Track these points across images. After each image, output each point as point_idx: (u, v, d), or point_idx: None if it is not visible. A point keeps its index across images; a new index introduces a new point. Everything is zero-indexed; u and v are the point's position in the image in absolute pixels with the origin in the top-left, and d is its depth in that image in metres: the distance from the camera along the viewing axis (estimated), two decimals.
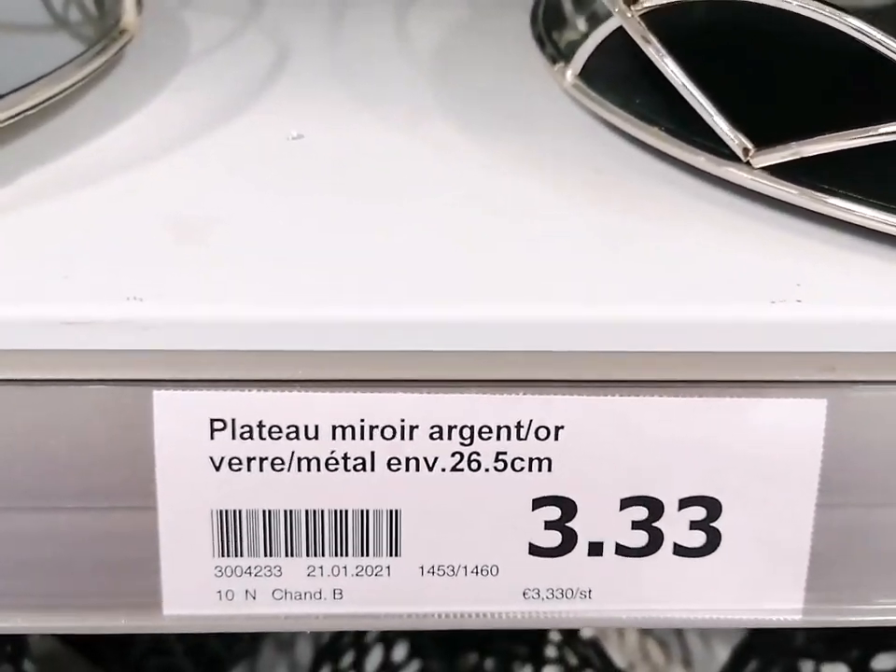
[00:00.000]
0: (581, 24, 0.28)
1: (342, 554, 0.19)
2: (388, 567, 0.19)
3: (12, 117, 0.23)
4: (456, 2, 0.37)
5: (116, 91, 0.27)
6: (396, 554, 0.19)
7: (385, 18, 0.35)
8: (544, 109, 0.27)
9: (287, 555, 0.19)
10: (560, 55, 0.27)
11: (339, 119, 0.26)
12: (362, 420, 0.17)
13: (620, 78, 0.26)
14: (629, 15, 0.23)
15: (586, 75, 0.26)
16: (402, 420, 0.17)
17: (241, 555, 0.19)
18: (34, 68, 0.24)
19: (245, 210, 0.22)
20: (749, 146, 0.21)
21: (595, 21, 0.25)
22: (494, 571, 0.19)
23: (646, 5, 0.23)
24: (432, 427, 0.17)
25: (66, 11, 0.29)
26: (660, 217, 0.22)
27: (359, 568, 0.19)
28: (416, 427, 0.17)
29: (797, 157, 0.21)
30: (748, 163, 0.21)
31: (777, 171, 0.21)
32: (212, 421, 0.17)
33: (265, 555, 0.19)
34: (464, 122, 0.26)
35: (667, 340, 0.18)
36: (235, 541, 0.18)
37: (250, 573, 0.19)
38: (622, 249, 0.20)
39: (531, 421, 0.17)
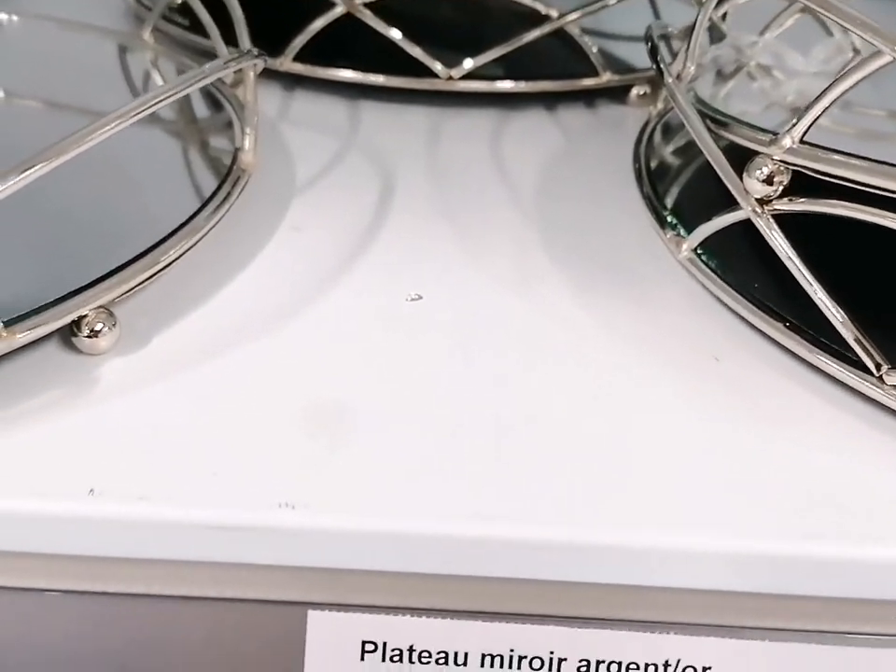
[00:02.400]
0: (693, 193, 0.28)
1: None
2: None
3: (149, 277, 0.23)
4: (547, 122, 0.37)
5: (233, 232, 0.27)
6: None
7: (482, 136, 0.36)
8: (657, 277, 0.27)
9: None
10: (672, 223, 0.28)
11: (454, 278, 0.26)
12: (512, 650, 0.18)
13: (736, 256, 0.26)
14: (759, 211, 0.23)
15: (700, 246, 0.26)
16: (552, 652, 0.18)
17: None
18: (165, 220, 0.25)
19: (379, 391, 0.22)
20: (882, 361, 0.22)
21: (715, 203, 0.25)
22: None
23: (779, 207, 0.23)
24: (580, 661, 0.18)
25: (182, 153, 0.30)
26: (795, 428, 0.22)
27: None
28: (565, 659, 0.18)
29: None
30: (880, 378, 0.22)
31: None
32: (363, 643, 0.17)
33: None
34: (576, 288, 0.27)
35: (827, 584, 0.18)
36: None
37: None
38: (761, 471, 0.20)
39: (679, 660, 0.18)
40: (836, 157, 0.21)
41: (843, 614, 0.18)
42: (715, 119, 0.25)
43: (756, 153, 0.23)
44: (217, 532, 0.18)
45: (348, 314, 0.25)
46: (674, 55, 0.32)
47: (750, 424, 0.22)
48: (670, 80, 0.29)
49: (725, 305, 0.25)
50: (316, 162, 0.32)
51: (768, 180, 0.23)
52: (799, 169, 0.22)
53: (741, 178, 0.23)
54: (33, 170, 0.19)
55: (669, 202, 0.30)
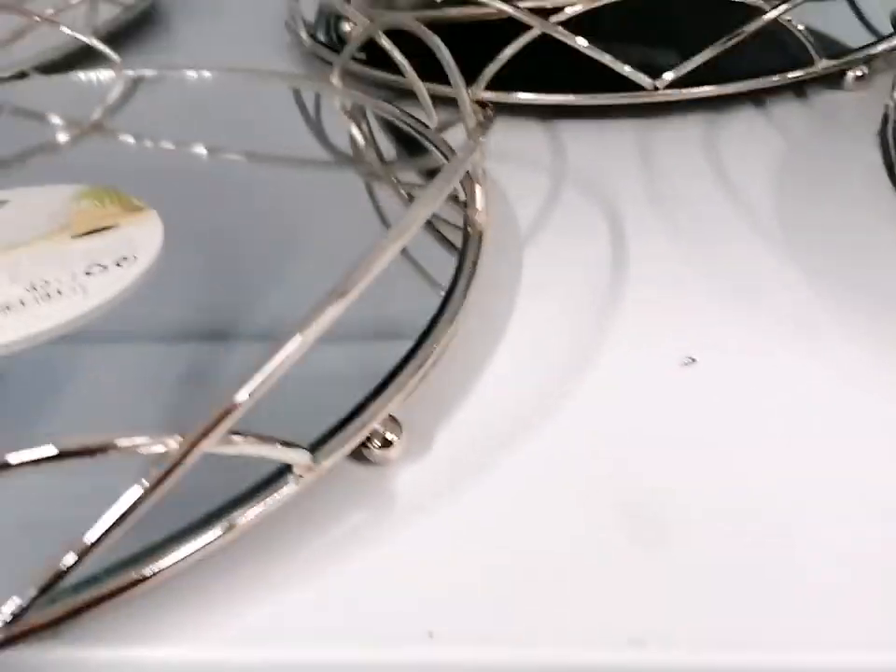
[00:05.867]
0: None
1: None
2: None
3: (426, 373, 0.22)
4: (759, 121, 0.34)
5: (476, 301, 0.25)
6: None
7: (694, 147, 0.33)
8: None
9: None
10: None
11: (719, 334, 0.24)
12: None
13: None
14: None
15: None
16: None
17: None
18: (411, 300, 0.24)
19: (684, 480, 0.20)
20: None
21: None
22: None
23: None
24: None
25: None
26: None
27: None
28: None
29: None
30: None
31: None
32: None
33: None
34: (857, 331, 0.24)
35: None
36: None
37: None
38: None
39: None
40: None
41: None
42: None
43: None
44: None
45: (623, 384, 0.23)
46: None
47: None
48: None
49: None
50: (532, 203, 0.31)
51: None
52: None
53: None
54: (330, 312, 0.17)
55: None
